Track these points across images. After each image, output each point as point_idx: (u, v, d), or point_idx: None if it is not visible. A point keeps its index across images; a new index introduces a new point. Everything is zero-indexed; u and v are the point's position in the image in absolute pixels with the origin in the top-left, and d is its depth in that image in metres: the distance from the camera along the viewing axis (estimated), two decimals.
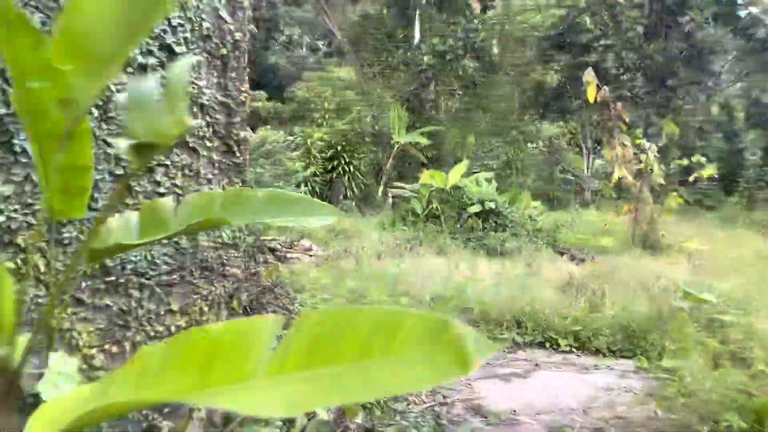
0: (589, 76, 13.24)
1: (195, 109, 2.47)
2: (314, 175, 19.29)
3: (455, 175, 13.66)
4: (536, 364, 5.98)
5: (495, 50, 27.15)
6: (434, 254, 10.83)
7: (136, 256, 2.26)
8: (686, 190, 18.77)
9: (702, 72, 23.37)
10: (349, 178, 19.75)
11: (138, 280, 2.25)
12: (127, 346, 2.24)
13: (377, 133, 23.20)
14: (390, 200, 19.64)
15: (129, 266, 2.25)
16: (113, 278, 2.19)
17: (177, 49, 2.33)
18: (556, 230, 13.38)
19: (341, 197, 18.54)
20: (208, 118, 2.59)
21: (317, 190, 18.93)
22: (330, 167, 19.80)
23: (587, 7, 23.47)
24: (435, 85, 26.27)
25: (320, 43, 39.15)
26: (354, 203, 18.60)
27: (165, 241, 2.37)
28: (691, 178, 14.82)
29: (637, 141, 13.52)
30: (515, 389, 5.27)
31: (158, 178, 2.38)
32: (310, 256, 11.50)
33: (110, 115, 2.22)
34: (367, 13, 28.90)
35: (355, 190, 19.60)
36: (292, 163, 18.15)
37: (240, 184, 2.87)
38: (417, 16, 26.52)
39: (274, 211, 1.68)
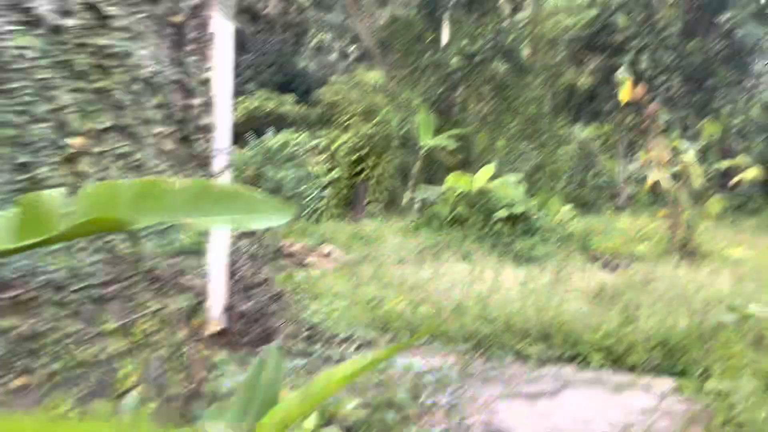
0: (622, 75, 12.64)
1: (136, 86, 2.10)
2: (339, 178, 19.00)
3: (482, 179, 13.18)
4: (565, 382, 5.49)
5: (525, 52, 26.60)
6: (458, 260, 10.37)
7: (52, 265, 1.87)
8: (727, 194, 17.93)
9: (742, 72, 22.44)
10: (375, 181, 19.39)
11: (55, 296, 1.87)
12: (39, 377, 1.86)
13: (404, 137, 22.86)
14: (417, 204, 19.23)
15: (40, 278, 1.86)
16: (15, 293, 1.80)
17: (108, 9, 1.94)
18: (587, 236, 12.79)
19: (365, 201, 18.18)
20: (156, 99, 2.22)
21: (342, 193, 18.61)
22: (355, 171, 19.47)
23: (621, 6, 22.74)
24: (463, 88, 25.83)
25: (351, 48, 39.00)
26: (380, 207, 18.23)
27: (99, 246, 2.00)
28: (732, 182, 14.05)
29: (674, 143, 12.85)
30: (541, 411, 4.79)
31: (83, 168, 1.99)
32: (331, 261, 11.14)
33: None
34: (396, 16, 28.59)
35: (381, 194, 19.22)
36: (316, 166, 17.90)
37: (204, 178, 2.48)
38: (446, 18, 26.15)
39: (201, 209, 1.27)
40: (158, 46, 2.20)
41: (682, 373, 5.44)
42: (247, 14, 31.81)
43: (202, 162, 2.49)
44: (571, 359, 6.10)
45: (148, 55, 2.20)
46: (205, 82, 2.36)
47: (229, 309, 5.89)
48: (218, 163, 2.77)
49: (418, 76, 26.24)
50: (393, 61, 26.83)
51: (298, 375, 5.31)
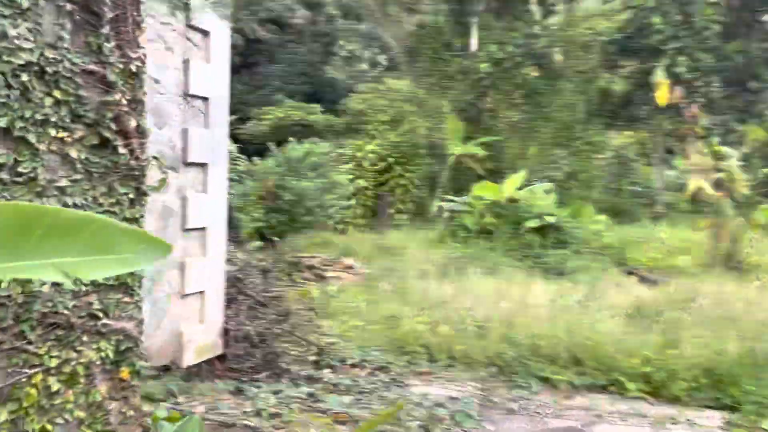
0: (659, 78, 11.95)
1: (25, 77, 1.66)
2: (364, 188, 18.59)
3: (510, 187, 12.60)
4: (598, 415, 4.90)
5: (557, 57, 25.91)
6: (485, 274, 9.79)
7: None
8: None
9: None
10: (401, 191, 18.94)
11: None
12: None
13: (432, 145, 22.45)
14: (446, 214, 18.70)
15: None
16: None
17: None
18: (624, 248, 12.08)
19: (390, 211, 17.71)
20: (57, 94, 1.79)
21: (367, 203, 18.19)
22: (381, 180, 19.05)
23: (657, 6, 21.91)
24: (493, 95, 25.27)
25: (380, 57, 38.78)
26: (406, 218, 17.75)
27: None
28: None
29: (715, 149, 12.09)
30: None
31: None
32: (351, 274, 10.68)
33: None
34: (424, 23, 28.21)
35: (408, 204, 18.75)
36: (341, 176, 17.52)
37: (130, 195, 2.04)
38: (474, 24, 25.68)
39: (24, 247, 0.81)
40: (58, 28, 1.78)
41: (732, 408, 4.81)
42: (275, 25, 31.78)
43: (128, 174, 2.06)
44: (605, 388, 5.51)
45: (39, 38, 1.76)
46: (133, 76, 1.94)
47: (228, 332, 5.45)
48: (155, 176, 2.34)
49: (446, 83, 25.83)
50: (421, 68, 26.47)
51: (303, 405, 4.84)
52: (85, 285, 2.01)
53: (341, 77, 33.45)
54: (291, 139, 16.22)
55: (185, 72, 4.72)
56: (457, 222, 13.20)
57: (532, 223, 11.77)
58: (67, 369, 1.98)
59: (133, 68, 2.00)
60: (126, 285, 2.25)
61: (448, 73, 25.49)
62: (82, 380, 2.04)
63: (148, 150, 2.09)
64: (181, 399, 4.29)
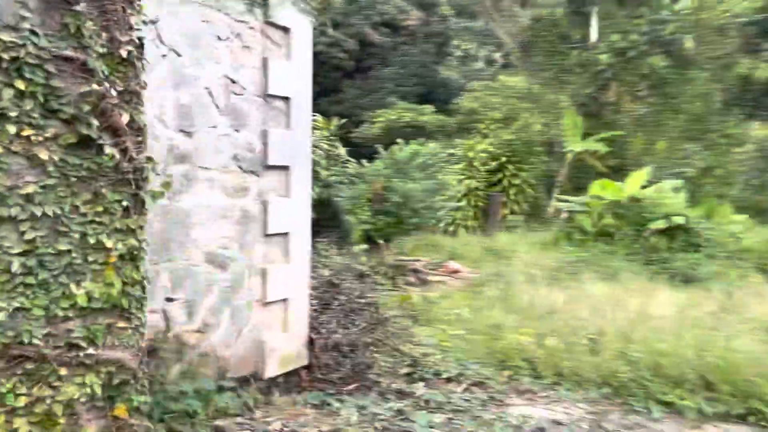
0: None
1: None
2: (476, 189, 18.01)
3: (633, 185, 11.58)
4: None
5: (688, 43, 23.88)
6: (602, 280, 8.98)
7: None
8: None
9: None
10: (514, 191, 18.17)
11: None
12: None
13: (549, 142, 21.45)
14: (564, 215, 17.71)
15: None
16: None
17: None
18: (767, 251, 10.69)
19: (502, 213, 17.01)
20: (19, 84, 1.54)
21: (478, 204, 17.61)
22: (494, 180, 18.38)
23: None
24: (615, 87, 23.78)
25: (496, 55, 37.93)
26: (519, 219, 16.97)
27: None
28: None
29: None
30: None
31: None
32: (457, 279, 10.23)
33: None
34: (539, 16, 27.13)
35: (521, 204, 17.95)
36: (451, 177, 17.08)
37: (124, 203, 1.76)
38: (594, 13, 24.31)
39: None
40: (19, 6, 1.54)
41: None
42: (387, 28, 31.88)
43: (121, 178, 1.80)
44: (742, 418, 4.72)
45: None
46: (124, 63, 1.67)
47: (315, 340, 5.22)
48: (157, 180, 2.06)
49: (564, 76, 24.68)
50: (537, 63, 25.48)
51: (388, 423, 4.48)
52: (63, 308, 1.78)
53: (455, 77, 32.97)
54: (399, 140, 16.01)
55: (264, 71, 4.53)
56: (574, 223, 12.35)
57: (658, 224, 10.70)
58: (39, 409, 1.75)
59: (124, 54, 1.75)
60: (119, 307, 2.00)
61: (566, 67, 24.35)
62: (61, 421, 1.80)
63: (154, 149, 1.82)
64: (257, 414, 4.10)
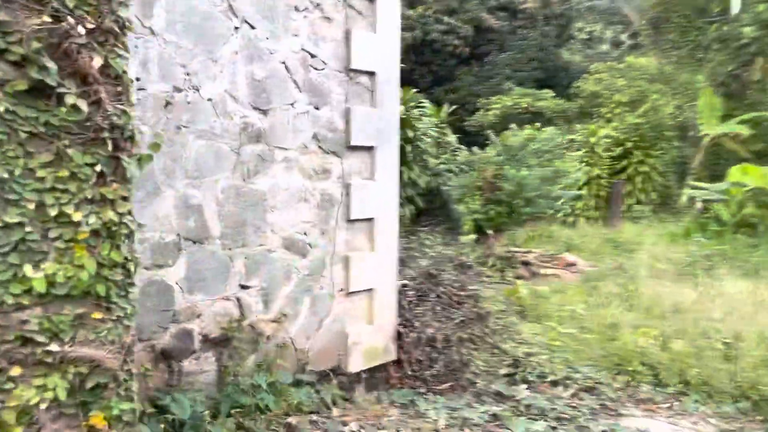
0: None
1: None
2: (598, 176, 16.83)
3: None
4: None
5: None
6: (742, 277, 7.91)
7: None
8: None
9: None
10: (641, 179, 16.80)
11: None
12: None
13: (681, 126, 19.70)
14: (698, 204, 16.14)
15: None
16: None
17: None
18: None
19: (627, 202, 15.76)
20: None
21: (600, 193, 16.44)
22: (618, 167, 17.09)
23: None
24: (762, 63, 21.38)
25: (624, 36, 35.64)
26: (647, 209, 15.65)
27: None
28: None
29: None
30: None
31: None
32: (572, 272, 9.47)
33: None
34: None
35: (648, 193, 16.58)
36: (570, 164, 16.10)
37: (97, 168, 1.45)
38: None
39: None
40: None
41: None
42: (504, 11, 30.81)
43: (93, 138, 1.48)
44: None
45: None
46: (116, 29, 1.34)
47: (404, 334, 4.86)
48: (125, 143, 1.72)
49: (700, 54, 22.60)
50: (669, 40, 23.52)
51: (484, 429, 4.04)
52: (13, 295, 1.51)
53: (578, 60, 31.30)
54: (512, 126, 15.26)
55: (347, 44, 4.21)
56: (709, 213, 11.10)
57: None
58: None
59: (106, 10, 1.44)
60: (93, 295, 1.69)
61: (702, 43, 22.27)
62: (17, 430, 1.54)
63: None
64: (335, 411, 3.81)
